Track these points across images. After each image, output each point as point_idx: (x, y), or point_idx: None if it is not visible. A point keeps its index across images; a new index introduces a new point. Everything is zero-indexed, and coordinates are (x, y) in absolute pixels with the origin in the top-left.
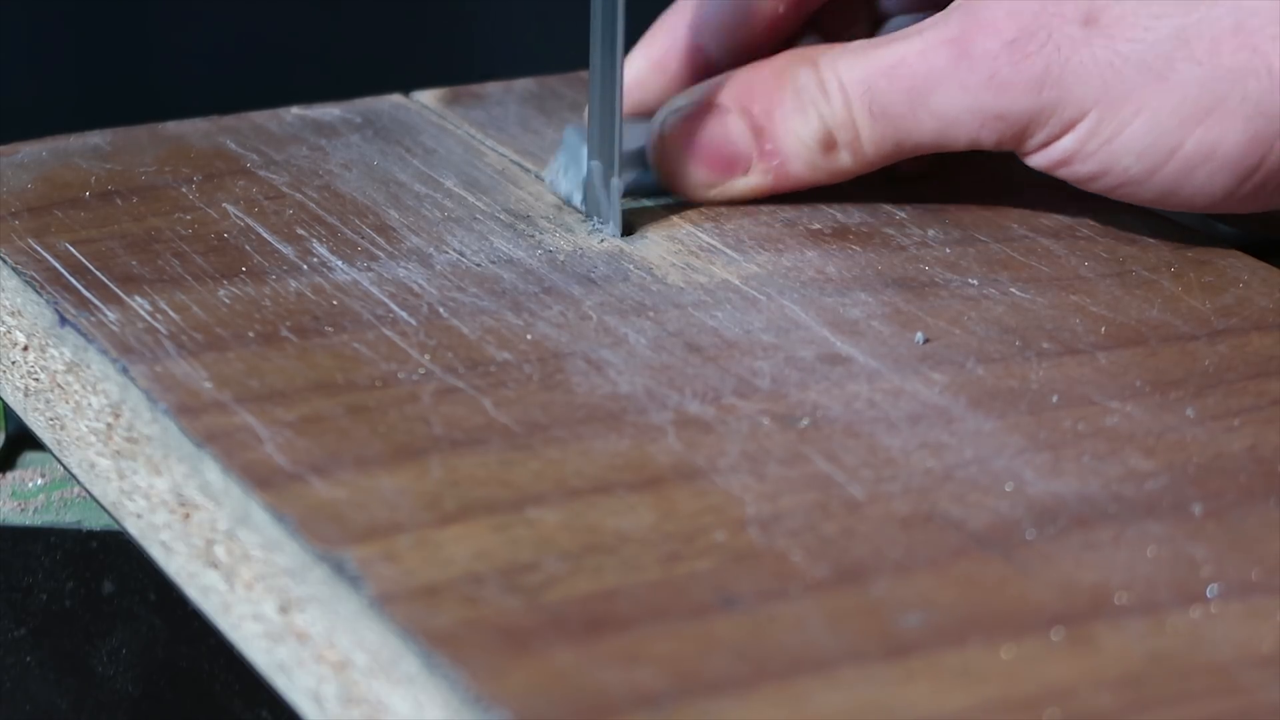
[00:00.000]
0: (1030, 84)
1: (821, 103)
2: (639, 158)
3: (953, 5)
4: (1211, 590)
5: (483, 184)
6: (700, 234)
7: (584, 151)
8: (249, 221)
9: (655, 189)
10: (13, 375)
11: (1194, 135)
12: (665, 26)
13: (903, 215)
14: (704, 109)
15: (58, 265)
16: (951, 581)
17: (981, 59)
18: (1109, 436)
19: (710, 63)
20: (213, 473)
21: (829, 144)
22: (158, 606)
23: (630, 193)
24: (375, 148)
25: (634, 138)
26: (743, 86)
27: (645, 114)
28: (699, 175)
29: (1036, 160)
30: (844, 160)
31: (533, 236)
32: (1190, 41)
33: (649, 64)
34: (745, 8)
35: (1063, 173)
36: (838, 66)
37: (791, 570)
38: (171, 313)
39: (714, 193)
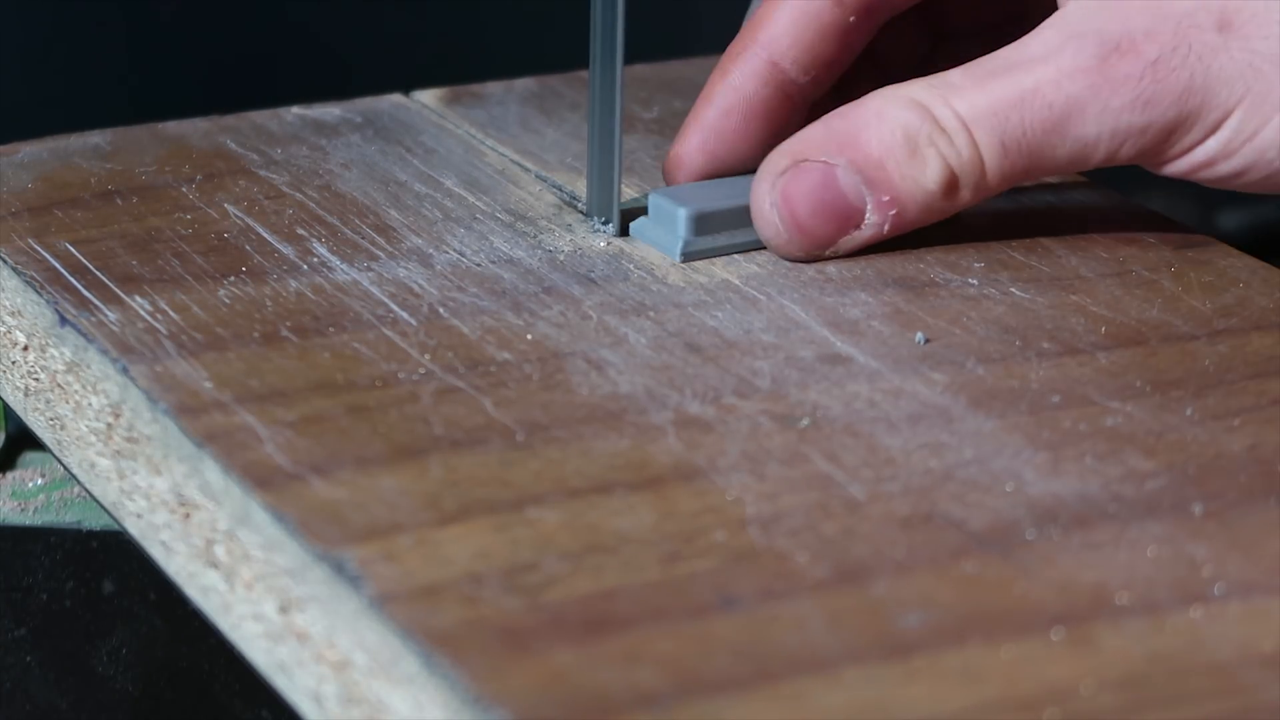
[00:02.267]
0: (1176, 97)
1: (943, 144)
2: (741, 216)
3: (1068, 24)
4: (1212, 590)
5: (483, 184)
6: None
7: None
8: (249, 221)
9: (756, 245)
10: (13, 375)
11: None
12: (737, 50)
13: None
14: (809, 168)
15: (58, 265)
16: (951, 581)
17: (1125, 82)
18: (1109, 436)
19: (789, 80)
20: (213, 473)
21: (951, 186)
22: (158, 606)
23: (728, 251)
24: (375, 148)
25: (729, 194)
26: (844, 137)
27: (730, 152)
28: (813, 237)
29: (1175, 167)
30: (964, 197)
31: (533, 236)
32: None
33: (726, 89)
34: (816, 22)
35: (1203, 175)
36: (953, 103)
37: (791, 570)
38: (171, 313)
39: (828, 248)
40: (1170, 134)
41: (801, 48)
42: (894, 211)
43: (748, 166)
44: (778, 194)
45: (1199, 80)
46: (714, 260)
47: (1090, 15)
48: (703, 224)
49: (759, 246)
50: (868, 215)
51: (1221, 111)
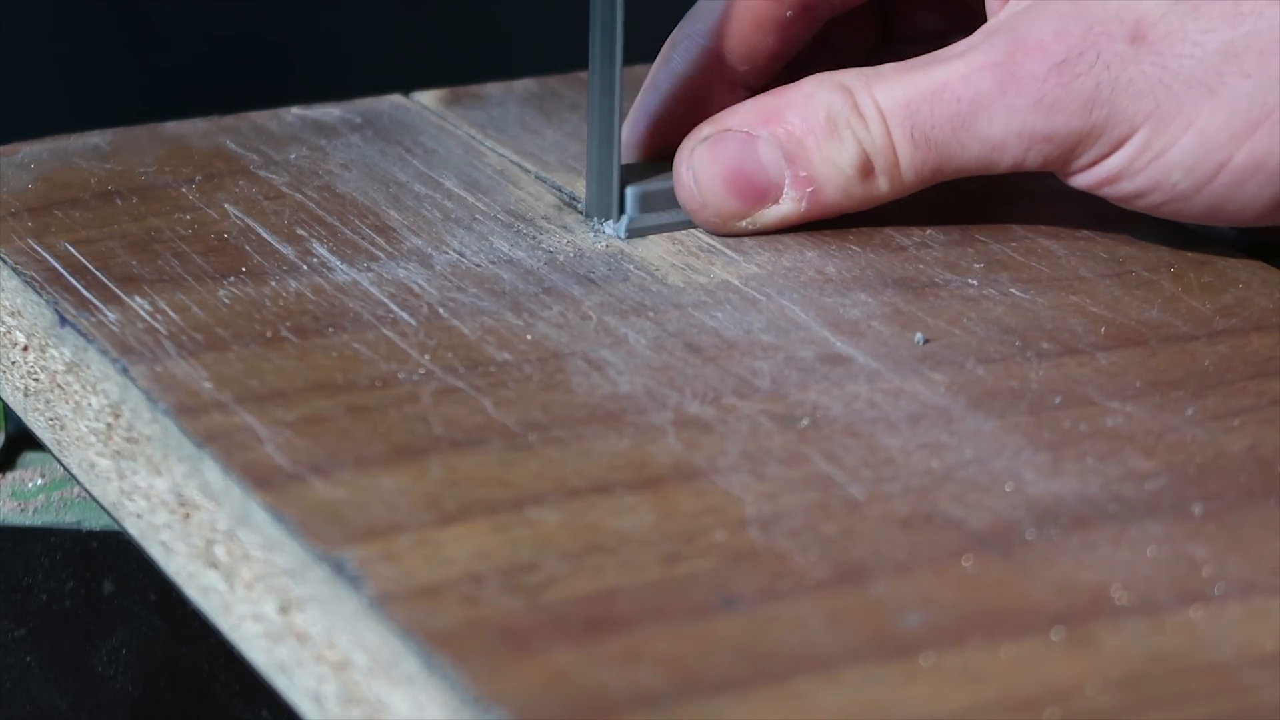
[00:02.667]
0: (1080, 105)
1: (860, 128)
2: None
3: (991, 26)
4: (1212, 590)
5: (483, 184)
6: (700, 234)
7: None
8: (249, 221)
9: (690, 223)
10: (13, 375)
11: (1244, 148)
12: (677, 39)
13: (903, 215)
14: (730, 136)
15: (58, 265)
16: (951, 581)
17: (1029, 82)
18: (1109, 436)
19: (729, 68)
20: (213, 473)
21: (866, 170)
22: (158, 606)
23: (668, 229)
24: (375, 148)
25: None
26: (770, 112)
27: (673, 139)
28: (729, 206)
29: (1081, 180)
30: (881, 186)
31: (533, 237)
32: (1239, 55)
33: (669, 75)
34: (752, 15)
35: (1107, 191)
36: (873, 91)
37: (791, 570)
38: (171, 313)
39: (744, 224)
40: (1076, 145)
41: (738, 38)
42: (811, 189)
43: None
44: (696, 159)
45: (1105, 91)
46: (714, 260)
47: (1012, 17)
48: (646, 202)
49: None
50: (785, 189)
51: (1128, 126)
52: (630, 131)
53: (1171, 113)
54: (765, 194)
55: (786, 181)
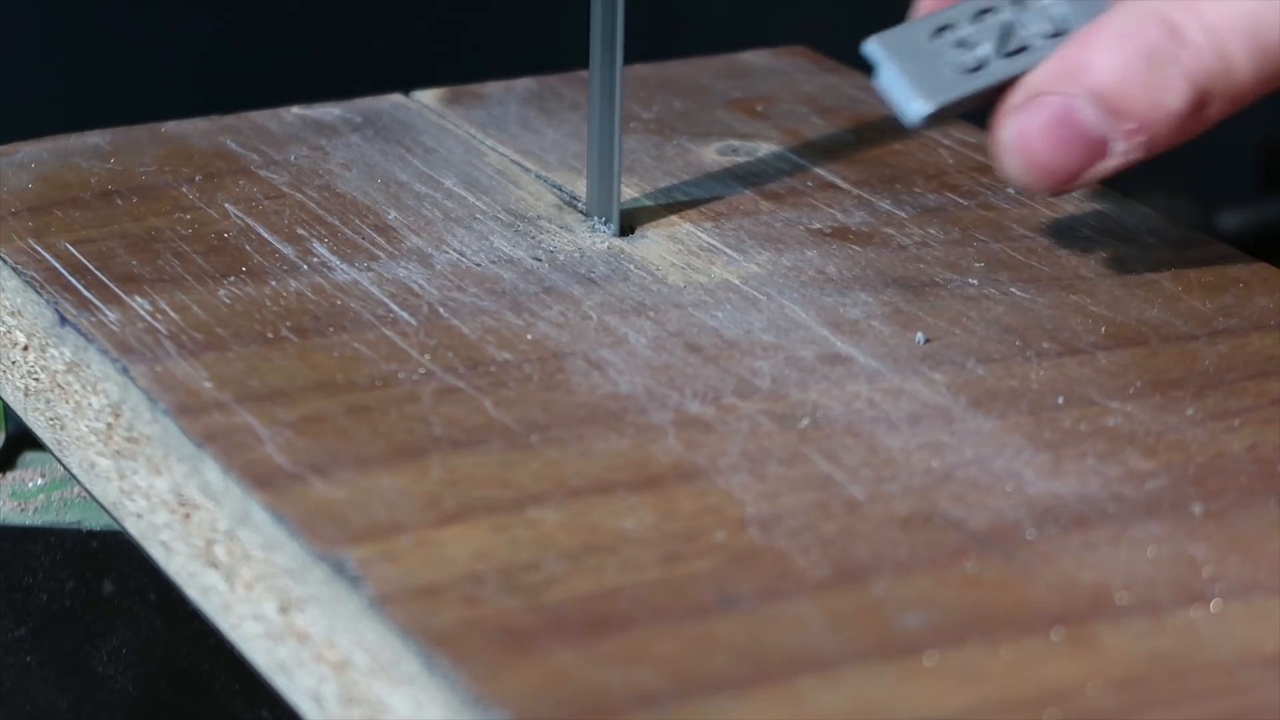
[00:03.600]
0: None
1: (1190, 61)
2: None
3: None
4: (1212, 590)
5: (483, 184)
6: (700, 234)
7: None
8: (249, 221)
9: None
10: (13, 375)
11: None
12: None
13: (903, 215)
14: (1046, 103)
15: (58, 265)
16: (952, 581)
17: None
18: (1109, 436)
19: None
20: (213, 473)
21: (1202, 103)
22: (158, 606)
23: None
24: (375, 148)
25: (967, 69)
26: (1082, 65)
27: None
28: (1056, 175)
29: None
30: (1217, 111)
31: (533, 236)
32: None
33: None
34: None
35: None
36: (1202, 13)
37: (791, 570)
38: (171, 313)
39: (1074, 181)
40: None
41: None
42: (1142, 138)
43: None
44: (1013, 133)
45: None
46: (714, 260)
47: None
48: (943, 111)
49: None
50: (1114, 145)
51: None
52: None
53: None
54: (1093, 155)
55: (1114, 137)
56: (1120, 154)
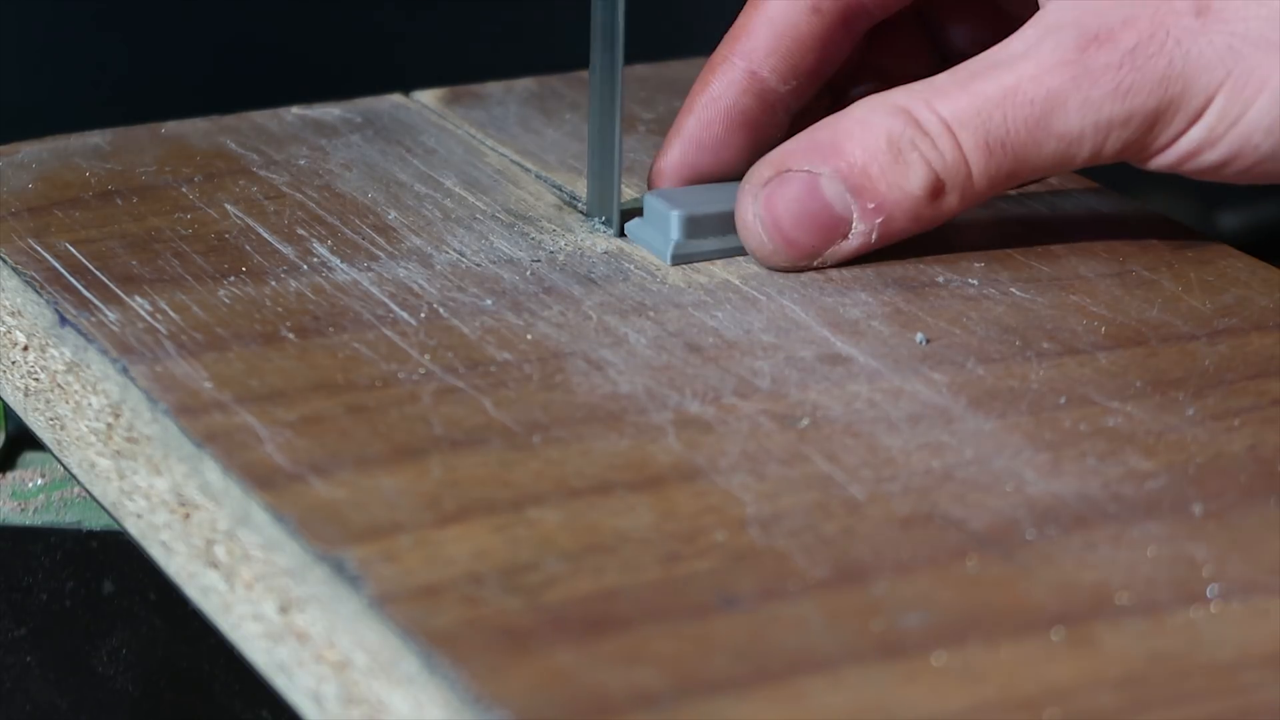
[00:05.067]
0: (1155, 84)
1: (925, 146)
2: (732, 220)
3: (1048, 21)
4: (1211, 590)
5: (483, 184)
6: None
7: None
8: (249, 221)
9: (745, 251)
10: (13, 375)
11: None
12: (716, 61)
13: None
14: (792, 177)
15: (58, 265)
16: (951, 581)
17: (1104, 72)
18: (1109, 436)
19: (769, 89)
20: (213, 473)
21: (936, 190)
22: (158, 606)
23: (718, 256)
24: (375, 148)
25: (722, 198)
26: (828, 146)
27: (713, 162)
28: (798, 249)
29: (1162, 160)
30: (952, 202)
31: (533, 236)
32: None
33: (707, 100)
34: (794, 31)
35: (1191, 165)
36: (935, 105)
37: (791, 570)
38: (171, 313)
39: (814, 259)
40: (1154, 124)
41: (779, 56)
42: (880, 219)
43: (731, 177)
44: (760, 205)
45: (1178, 66)
46: (714, 260)
47: (1068, 9)
48: (694, 227)
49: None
50: (854, 224)
51: (1203, 97)
52: (670, 156)
53: (1244, 76)
54: (834, 232)
55: (855, 215)
56: (860, 234)
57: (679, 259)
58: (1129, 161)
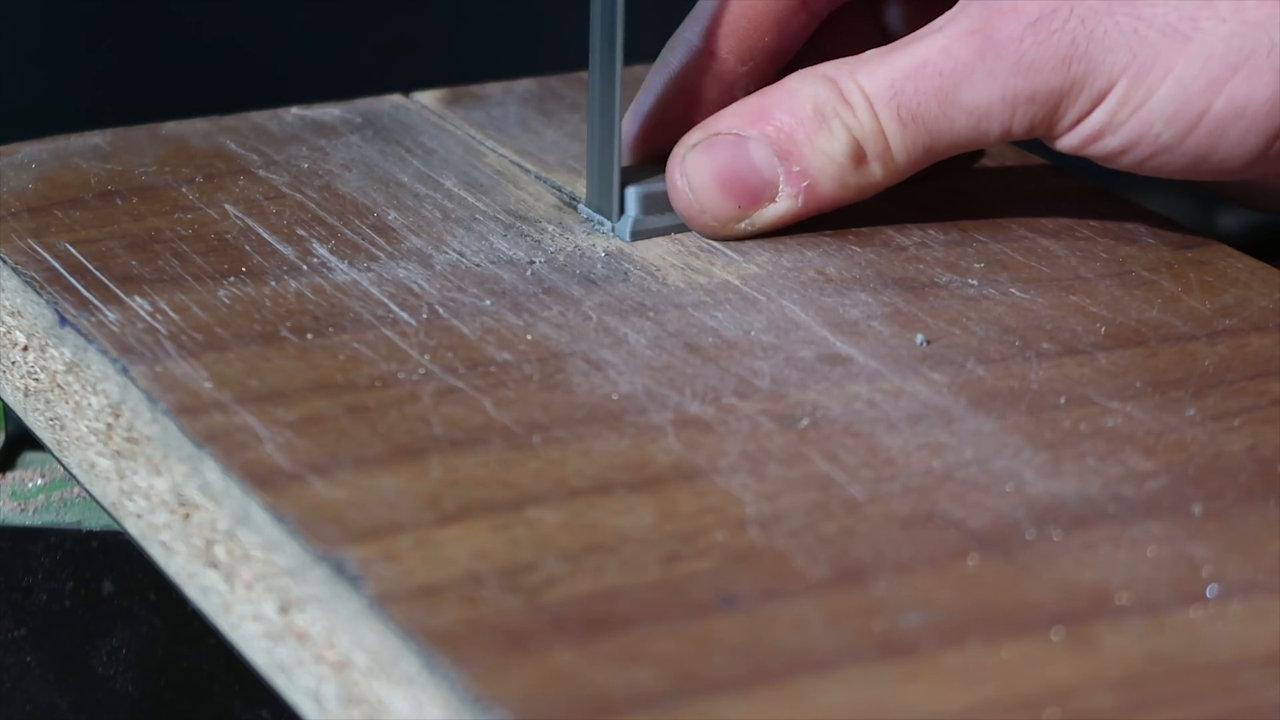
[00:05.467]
0: (1058, 61)
1: (847, 114)
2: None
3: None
4: (1211, 590)
5: (483, 184)
6: (700, 234)
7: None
8: (249, 221)
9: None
10: (13, 375)
11: (1223, 94)
12: (675, 42)
13: (903, 215)
14: (721, 139)
15: (58, 265)
16: (951, 581)
17: (1007, 44)
18: (1109, 436)
19: (727, 70)
20: (213, 473)
21: (858, 157)
22: (158, 606)
23: (670, 231)
24: (375, 148)
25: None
26: (757, 111)
27: (670, 141)
28: (725, 209)
29: (1068, 141)
30: (875, 172)
31: (533, 237)
32: (1213, 1)
33: (665, 78)
34: (752, 12)
35: (1093, 149)
36: (857, 76)
37: (791, 570)
38: (171, 313)
39: (743, 225)
40: (1058, 103)
41: (738, 38)
42: (806, 184)
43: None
44: (688, 166)
45: (1082, 45)
46: (714, 260)
47: None
48: (651, 203)
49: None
50: (780, 187)
51: (1106, 80)
52: (626, 133)
53: (1149, 62)
54: (761, 194)
55: (781, 179)
56: (787, 197)
57: (637, 235)
58: (1041, 140)
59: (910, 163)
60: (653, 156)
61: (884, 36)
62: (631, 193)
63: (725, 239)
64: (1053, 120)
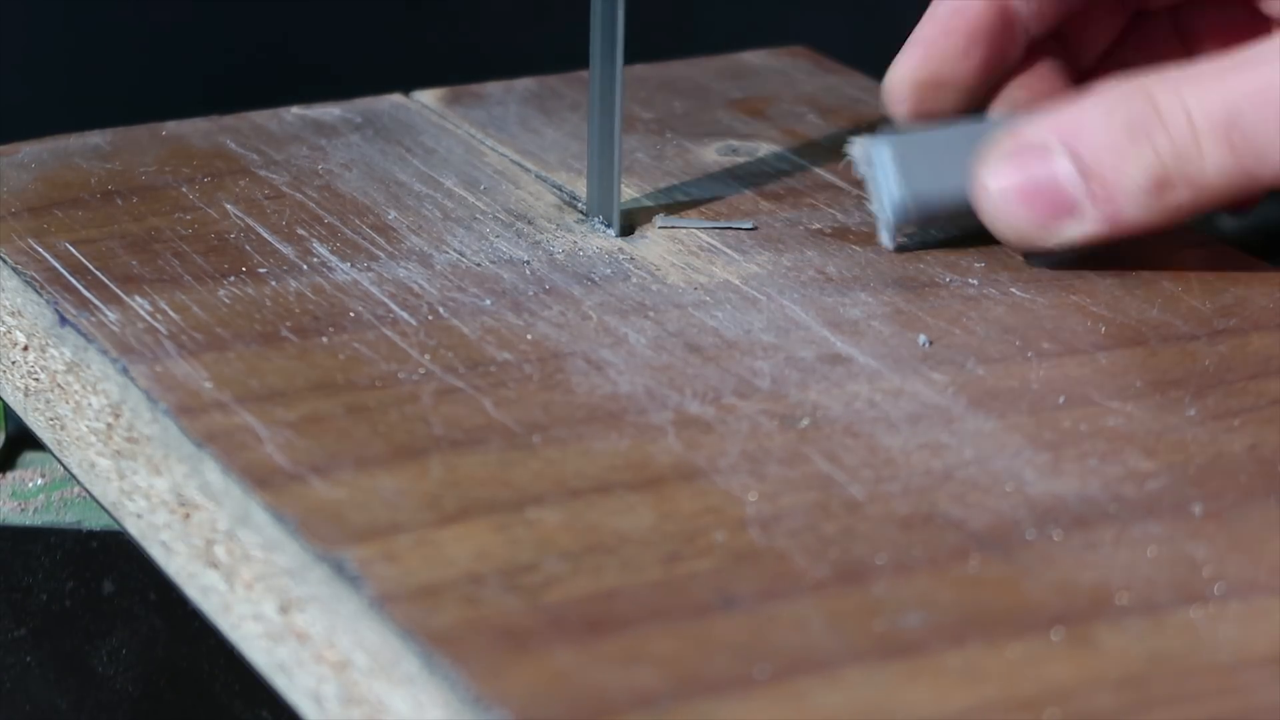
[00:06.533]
0: None
1: (1160, 136)
2: (960, 202)
3: None
4: (1212, 590)
5: (483, 184)
6: (700, 234)
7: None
8: (249, 221)
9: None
10: (13, 375)
11: None
12: None
13: None
14: (1028, 149)
15: (58, 265)
16: (951, 581)
17: None
18: (1109, 436)
19: (1010, 8)
20: (213, 473)
21: (1163, 183)
22: (158, 606)
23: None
24: (375, 148)
25: (951, 171)
26: (1070, 123)
27: (950, 74)
28: (1025, 220)
29: None
30: (1182, 198)
31: (533, 236)
32: None
33: (949, 8)
34: None
35: None
36: (1182, 94)
37: (792, 570)
38: (171, 313)
39: (1044, 238)
40: None
41: None
42: (1109, 207)
43: (965, 90)
44: (992, 175)
45: None
46: (714, 260)
47: None
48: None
49: (974, 232)
50: (1085, 206)
51: None
52: (909, 62)
53: None
54: (1060, 210)
55: (1084, 197)
56: (1090, 219)
57: (903, 248)
58: None
59: (1226, 190)
60: (932, 85)
61: (1131, 22)
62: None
63: (1031, 252)
64: None
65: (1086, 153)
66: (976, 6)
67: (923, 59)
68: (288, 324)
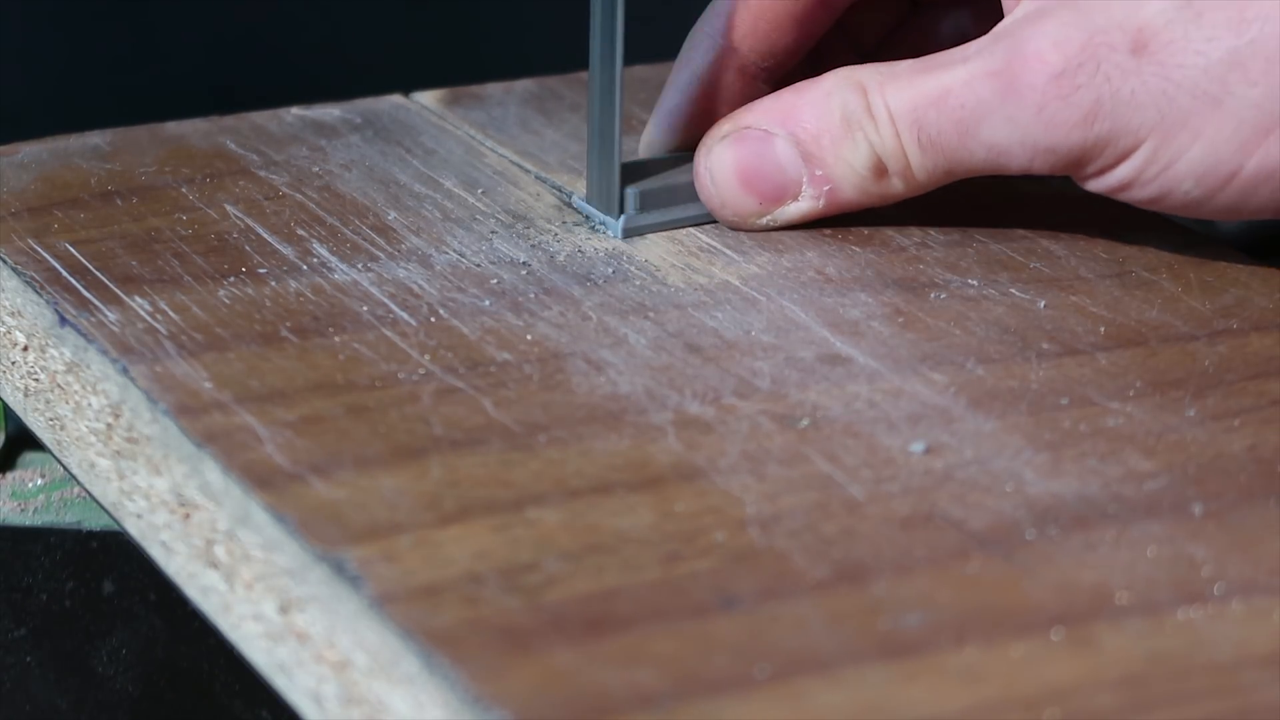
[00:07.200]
0: (1081, 118)
1: (871, 130)
2: (687, 190)
3: (998, 29)
4: (1212, 590)
5: (483, 184)
6: (700, 234)
7: None
8: (249, 221)
9: (700, 220)
10: (13, 375)
11: (1254, 157)
12: (696, 39)
13: (903, 215)
14: (750, 135)
15: (58, 265)
16: (951, 581)
17: (1028, 93)
18: (1109, 436)
19: (748, 64)
20: (213, 473)
21: (880, 171)
22: (158, 606)
23: (686, 224)
24: (375, 148)
25: (686, 170)
26: (789, 110)
27: (696, 137)
28: (746, 204)
29: (1094, 186)
30: (896, 186)
31: (532, 237)
32: (1245, 63)
33: (687, 75)
34: (771, 12)
35: (1122, 196)
36: (886, 93)
37: (791, 570)
38: (171, 313)
39: (764, 220)
40: (1080, 157)
41: (758, 36)
42: (828, 187)
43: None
44: (714, 157)
45: (1107, 104)
46: (714, 260)
47: (1021, 20)
48: (647, 200)
49: (703, 221)
50: (803, 187)
51: (1132, 139)
52: (653, 130)
53: (1177, 124)
54: (783, 192)
55: (804, 179)
56: (809, 198)
57: (630, 232)
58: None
59: (931, 181)
60: (681, 151)
61: (909, 14)
62: (629, 192)
63: (746, 230)
64: (1076, 169)
65: (808, 138)
66: (712, 69)
67: (667, 127)
68: (288, 324)
